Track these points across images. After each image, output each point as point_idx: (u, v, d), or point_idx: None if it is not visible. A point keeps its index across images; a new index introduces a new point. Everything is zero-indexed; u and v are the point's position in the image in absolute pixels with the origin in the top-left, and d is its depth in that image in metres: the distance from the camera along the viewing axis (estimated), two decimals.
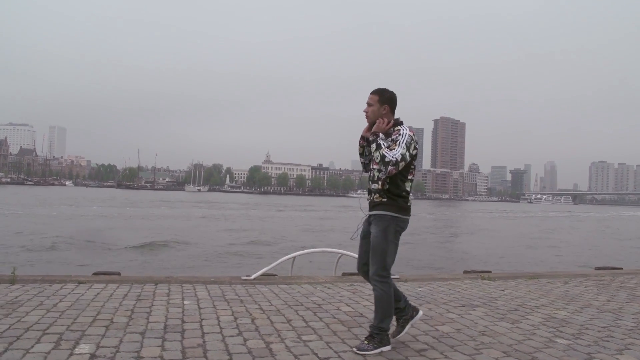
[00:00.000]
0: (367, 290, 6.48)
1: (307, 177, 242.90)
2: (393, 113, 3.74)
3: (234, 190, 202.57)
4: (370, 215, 3.72)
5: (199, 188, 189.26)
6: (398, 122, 3.70)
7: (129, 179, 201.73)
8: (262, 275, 6.88)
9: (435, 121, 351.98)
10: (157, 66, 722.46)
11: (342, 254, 7.83)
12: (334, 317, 4.81)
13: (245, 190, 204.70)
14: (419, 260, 17.32)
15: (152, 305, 4.77)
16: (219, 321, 4.33)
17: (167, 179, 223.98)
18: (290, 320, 4.55)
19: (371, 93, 3.74)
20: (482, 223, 48.21)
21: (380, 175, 3.61)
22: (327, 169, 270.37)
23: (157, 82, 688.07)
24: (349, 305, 5.37)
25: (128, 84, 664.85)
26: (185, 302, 4.97)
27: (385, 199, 3.60)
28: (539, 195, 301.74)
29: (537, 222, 55.71)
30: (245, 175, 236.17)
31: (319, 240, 22.45)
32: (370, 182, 3.73)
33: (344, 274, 7.95)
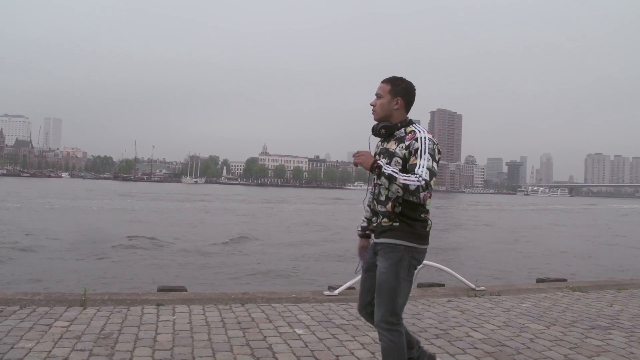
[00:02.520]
0: (470, 305, 5.84)
1: (304, 169, 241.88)
2: (407, 110, 2.81)
3: (231, 182, 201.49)
4: (376, 244, 2.81)
5: (195, 180, 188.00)
6: (409, 122, 2.78)
7: (125, 170, 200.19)
8: (345, 289, 6.19)
9: (432, 113, 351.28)
10: (154, 57, 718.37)
11: (423, 265, 7.15)
12: (476, 348, 4.16)
13: (242, 182, 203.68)
14: (461, 263, 16.55)
15: (264, 337, 4.07)
16: (358, 359, 3.63)
17: (163, 171, 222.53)
18: (435, 353, 3.85)
19: (382, 82, 2.81)
20: (492, 219, 47.65)
21: (391, 195, 2.66)
22: (323, 160, 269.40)
23: (154, 73, 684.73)
24: (476, 330, 4.71)
25: (124, 75, 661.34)
26: (298, 331, 4.26)
27: (397, 223, 2.68)
28: (535, 188, 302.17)
29: (548, 217, 55.23)
30: (242, 167, 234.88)
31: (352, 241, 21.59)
32: (375, 202, 2.80)
33: (420, 285, 7.32)
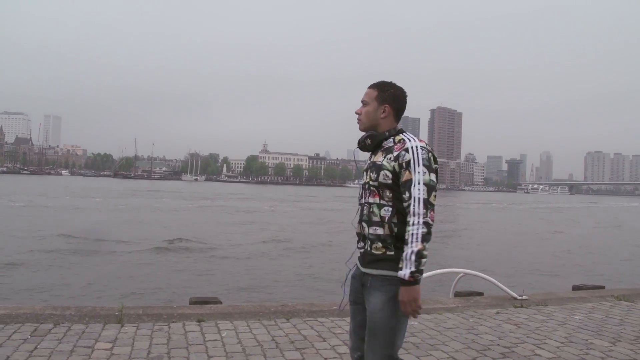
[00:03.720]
0: (522, 317, 5.53)
1: (304, 166, 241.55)
2: (397, 119, 2.43)
3: (231, 180, 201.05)
4: (365, 275, 2.35)
5: (195, 178, 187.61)
6: (398, 131, 2.39)
7: (125, 168, 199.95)
8: None
9: (432, 111, 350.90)
10: (155, 56, 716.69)
11: (465, 273, 6.85)
12: None
13: (243, 180, 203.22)
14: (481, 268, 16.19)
15: (324, 359, 3.74)
16: None
17: (163, 169, 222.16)
18: None
19: (369, 87, 2.46)
20: (500, 219, 47.34)
21: (384, 214, 2.29)
22: (323, 158, 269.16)
23: (154, 72, 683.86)
24: (541, 348, 4.41)
25: (124, 73, 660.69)
26: None
27: (392, 252, 2.26)
28: (535, 186, 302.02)
29: (555, 216, 54.95)
30: (242, 165, 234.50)
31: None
32: (363, 224, 2.37)
33: (457, 294, 7.02)
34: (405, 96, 2.44)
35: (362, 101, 2.44)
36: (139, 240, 17.82)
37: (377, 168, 2.32)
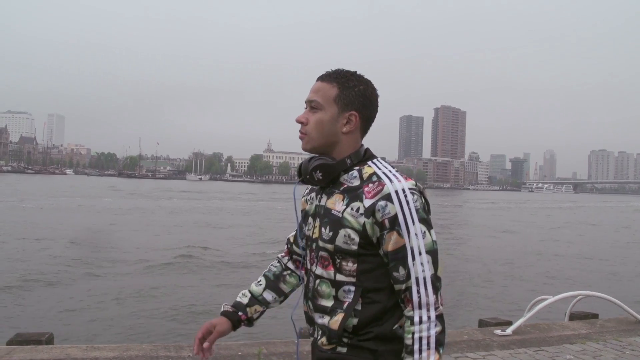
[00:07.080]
0: None
1: None
2: (364, 133, 1.53)
3: (236, 179, 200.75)
4: None
5: (200, 177, 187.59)
6: (366, 157, 1.51)
7: (129, 167, 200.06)
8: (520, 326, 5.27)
9: (436, 110, 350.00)
10: (158, 54, 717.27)
11: (585, 295, 6.19)
12: None
13: (247, 180, 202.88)
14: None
15: None
16: None
17: (168, 168, 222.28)
18: None
19: (321, 79, 1.51)
20: (525, 222, 46.55)
21: (342, 297, 1.44)
22: None
23: (157, 71, 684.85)
24: None
25: (126, 72, 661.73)
26: None
27: (344, 348, 1.44)
28: (540, 184, 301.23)
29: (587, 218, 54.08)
30: (247, 164, 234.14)
31: None
32: (309, 303, 1.53)
33: (573, 317, 6.35)
34: (377, 96, 1.53)
35: (309, 102, 1.50)
36: (186, 248, 17.18)
37: (333, 222, 1.44)
